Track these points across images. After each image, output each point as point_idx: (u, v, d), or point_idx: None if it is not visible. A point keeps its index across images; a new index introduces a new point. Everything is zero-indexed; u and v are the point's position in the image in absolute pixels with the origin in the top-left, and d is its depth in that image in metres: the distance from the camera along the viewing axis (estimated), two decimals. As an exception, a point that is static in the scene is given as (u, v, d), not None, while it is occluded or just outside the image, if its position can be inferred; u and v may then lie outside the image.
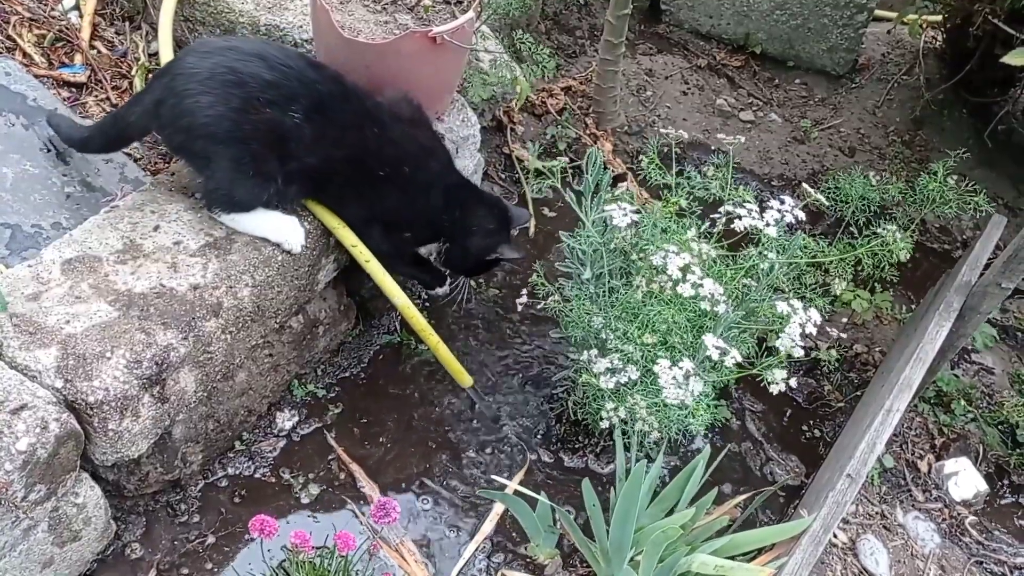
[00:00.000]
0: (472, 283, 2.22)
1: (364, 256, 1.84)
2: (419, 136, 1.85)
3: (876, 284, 2.34)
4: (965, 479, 2.12)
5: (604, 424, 1.63)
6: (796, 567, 1.62)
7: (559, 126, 2.80)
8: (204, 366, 1.61)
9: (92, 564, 1.63)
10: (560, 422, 2.07)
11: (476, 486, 1.92)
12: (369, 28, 1.86)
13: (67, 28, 2.21)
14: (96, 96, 2.13)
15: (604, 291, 1.75)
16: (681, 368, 1.51)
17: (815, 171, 2.96)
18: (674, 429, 1.70)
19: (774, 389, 1.54)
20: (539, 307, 1.94)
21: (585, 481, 1.71)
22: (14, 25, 2.14)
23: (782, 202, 1.64)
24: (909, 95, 3.24)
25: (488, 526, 1.85)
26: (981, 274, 2.07)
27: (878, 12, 3.28)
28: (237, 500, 1.80)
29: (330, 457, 1.91)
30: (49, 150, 1.87)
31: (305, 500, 1.83)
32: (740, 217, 1.60)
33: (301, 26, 2.11)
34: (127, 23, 2.33)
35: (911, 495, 2.11)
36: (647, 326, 1.61)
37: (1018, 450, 2.23)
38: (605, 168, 1.74)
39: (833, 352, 1.90)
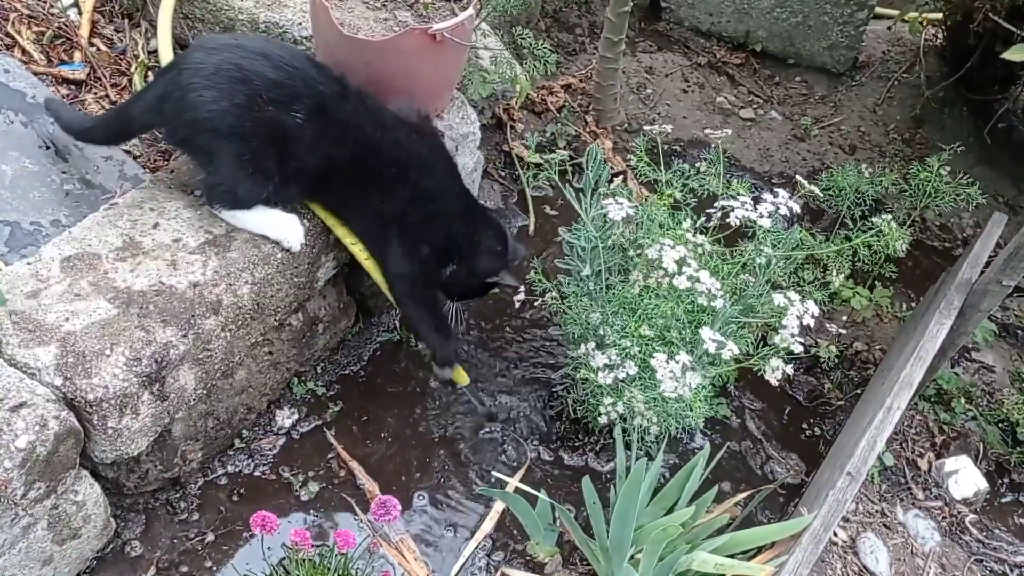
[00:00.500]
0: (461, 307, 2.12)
1: (363, 254, 1.84)
2: (426, 143, 1.83)
3: (875, 281, 2.34)
4: (965, 477, 2.12)
5: (603, 420, 1.63)
6: (796, 565, 1.62)
7: (559, 123, 2.80)
8: (204, 364, 1.61)
9: (91, 562, 1.63)
10: (560, 420, 2.07)
11: (476, 484, 1.92)
12: (368, 25, 1.86)
13: (66, 25, 2.21)
14: (95, 93, 2.13)
15: (602, 287, 1.75)
16: (678, 362, 1.51)
17: (815, 169, 2.96)
18: (673, 424, 1.70)
19: (772, 379, 1.53)
20: (537, 304, 1.93)
21: (585, 479, 1.71)
22: (13, 22, 2.13)
23: (776, 195, 1.64)
24: (909, 93, 3.24)
25: (488, 524, 1.85)
26: (982, 272, 2.07)
27: (878, 9, 3.28)
28: (236, 498, 1.80)
29: (330, 455, 1.91)
30: (48, 147, 1.87)
31: (305, 498, 1.82)
32: (733, 209, 1.60)
33: (300, 23, 2.11)
34: (126, 20, 2.33)
35: (911, 493, 2.11)
36: (644, 320, 1.60)
37: (1018, 448, 2.23)
38: (604, 165, 1.74)
39: (833, 348, 1.90)
